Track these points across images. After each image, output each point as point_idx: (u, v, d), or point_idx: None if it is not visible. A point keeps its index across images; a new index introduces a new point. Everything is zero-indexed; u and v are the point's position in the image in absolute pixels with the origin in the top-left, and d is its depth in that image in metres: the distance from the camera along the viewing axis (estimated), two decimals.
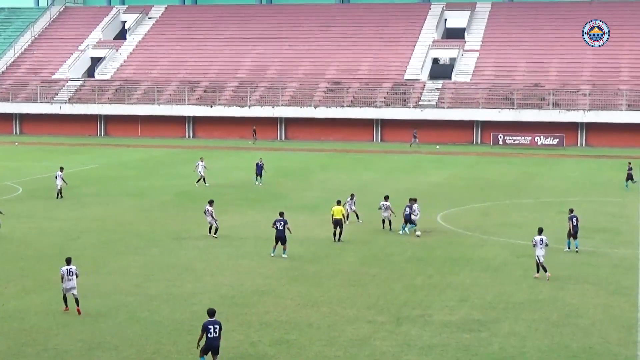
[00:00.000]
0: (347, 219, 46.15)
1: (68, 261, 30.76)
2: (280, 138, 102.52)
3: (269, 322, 28.91)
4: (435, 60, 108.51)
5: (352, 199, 48.18)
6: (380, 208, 45.86)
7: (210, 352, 24.16)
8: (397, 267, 37.16)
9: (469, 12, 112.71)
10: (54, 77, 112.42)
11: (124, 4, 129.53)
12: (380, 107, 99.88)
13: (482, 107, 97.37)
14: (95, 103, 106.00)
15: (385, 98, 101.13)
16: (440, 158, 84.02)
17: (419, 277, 35.41)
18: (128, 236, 44.21)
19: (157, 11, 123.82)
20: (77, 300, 30.03)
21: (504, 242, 43.05)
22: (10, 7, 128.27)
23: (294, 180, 66.25)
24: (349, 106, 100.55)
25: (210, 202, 43.82)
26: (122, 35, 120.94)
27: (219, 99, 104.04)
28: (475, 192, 60.37)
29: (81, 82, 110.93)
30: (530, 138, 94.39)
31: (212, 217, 43.36)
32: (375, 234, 45.02)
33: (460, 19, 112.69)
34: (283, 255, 38.67)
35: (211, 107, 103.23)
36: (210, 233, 43.46)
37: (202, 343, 24.17)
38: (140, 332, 27.96)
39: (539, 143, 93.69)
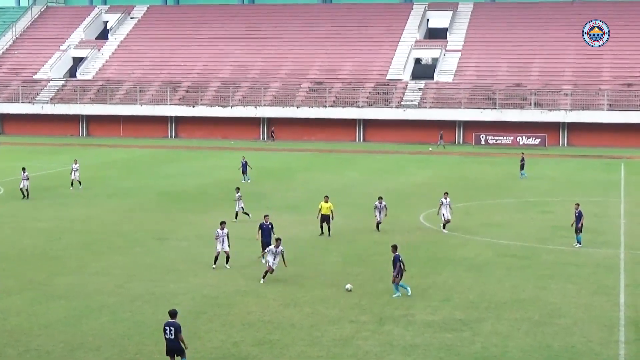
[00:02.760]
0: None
1: None
2: (263, 138, 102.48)
3: (251, 322, 28.89)
4: (418, 61, 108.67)
5: (446, 198, 45.75)
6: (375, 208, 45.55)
7: (175, 355, 23.65)
8: (379, 267, 37.15)
9: (451, 13, 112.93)
10: (36, 77, 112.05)
11: (105, 3, 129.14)
12: (362, 107, 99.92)
13: (465, 107, 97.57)
14: (77, 103, 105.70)
15: (367, 98, 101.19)
16: (423, 158, 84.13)
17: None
18: (110, 236, 44.09)
19: (139, 11, 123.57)
20: None
21: (486, 241, 43.12)
22: None
23: (277, 180, 66.22)
24: (332, 106, 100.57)
25: (222, 224, 37.46)
26: (104, 35, 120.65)
27: (201, 99, 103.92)
28: (458, 192, 60.38)
29: (63, 82, 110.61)
30: (512, 138, 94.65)
31: (228, 243, 37.12)
32: (358, 233, 45.03)
33: (443, 19, 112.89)
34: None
35: (193, 107, 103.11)
36: (226, 263, 37.31)
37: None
38: (122, 333, 27.89)
39: (521, 143, 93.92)
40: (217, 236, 37.02)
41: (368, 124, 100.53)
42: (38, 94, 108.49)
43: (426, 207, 52.17)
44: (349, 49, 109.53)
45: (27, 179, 56.82)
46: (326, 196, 44.97)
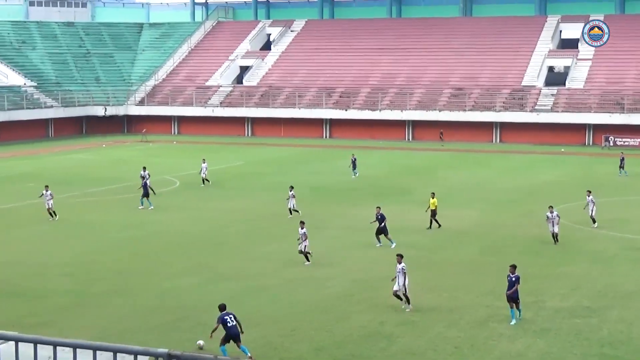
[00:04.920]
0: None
1: None
2: (408, 139, 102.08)
3: (395, 305, 28.78)
4: (551, 69, 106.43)
5: (589, 196, 44.79)
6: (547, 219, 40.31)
7: (231, 340, 23.53)
8: (512, 257, 36.48)
9: (582, 24, 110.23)
10: (208, 83, 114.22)
11: (269, 18, 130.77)
12: (499, 111, 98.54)
13: (594, 112, 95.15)
14: (243, 107, 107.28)
15: (504, 103, 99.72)
16: (554, 158, 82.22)
17: (533, 267, 34.79)
18: (269, 226, 44.59)
19: (298, 25, 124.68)
20: None
21: (613, 235, 41.94)
22: (170, 22, 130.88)
23: (419, 178, 65.74)
24: (471, 110, 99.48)
25: (302, 223, 36.47)
26: (267, 46, 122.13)
27: (353, 104, 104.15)
28: (587, 189, 58.78)
29: (231, 88, 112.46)
30: (639, 140, 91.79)
31: (306, 239, 35.60)
32: (492, 226, 44.41)
33: (575, 30, 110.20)
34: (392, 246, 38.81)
35: (346, 110, 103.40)
36: (307, 258, 35.68)
37: (219, 334, 23.74)
38: (279, 312, 28.19)
39: None
40: (300, 237, 35.77)
41: (504, 126, 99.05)
42: (209, 99, 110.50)
43: (557, 203, 50.91)
44: (487, 57, 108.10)
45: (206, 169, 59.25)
46: (432, 192, 44.60)
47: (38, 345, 8.75)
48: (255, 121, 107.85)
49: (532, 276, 32.99)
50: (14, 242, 40.73)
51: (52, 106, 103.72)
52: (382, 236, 39.20)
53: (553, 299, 29.70)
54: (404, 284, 28.53)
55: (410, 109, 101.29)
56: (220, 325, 23.64)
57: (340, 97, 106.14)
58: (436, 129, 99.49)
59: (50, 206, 46.23)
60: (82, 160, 78.06)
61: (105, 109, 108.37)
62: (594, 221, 44.06)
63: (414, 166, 73.40)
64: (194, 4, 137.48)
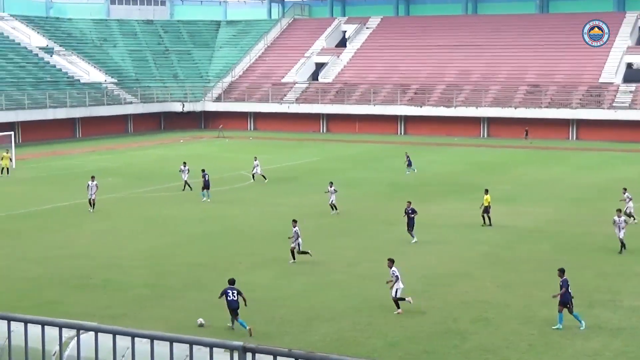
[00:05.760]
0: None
1: None
2: (483, 136, 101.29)
3: (468, 302, 28.66)
4: (629, 65, 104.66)
5: (625, 192, 44.76)
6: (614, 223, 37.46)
7: (230, 313, 25.44)
8: (587, 255, 36.10)
9: None
10: (283, 80, 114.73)
11: (344, 15, 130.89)
12: (576, 108, 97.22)
13: None
14: (318, 103, 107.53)
15: (580, 100, 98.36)
16: (632, 155, 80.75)
17: (608, 264, 34.32)
18: (342, 221, 44.61)
19: (373, 22, 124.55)
20: None
21: None
22: (247, 20, 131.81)
23: (493, 174, 65.12)
24: (547, 107, 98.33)
25: (295, 222, 36.21)
26: (342, 43, 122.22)
27: (427, 100, 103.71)
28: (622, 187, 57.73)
29: (306, 84, 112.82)
30: None
31: (298, 237, 35.47)
32: (565, 224, 43.86)
33: None
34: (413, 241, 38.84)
35: (421, 107, 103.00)
36: (294, 256, 35.38)
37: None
38: (352, 306, 28.22)
39: None
40: (292, 236, 35.54)
41: (581, 123, 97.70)
42: (285, 95, 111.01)
43: (634, 201, 50.13)
44: (563, 54, 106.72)
45: (258, 165, 59.89)
46: (486, 189, 44.21)
47: (117, 336, 8.93)
48: (331, 117, 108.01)
49: (607, 274, 32.58)
50: (92, 235, 41.48)
51: (131, 102, 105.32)
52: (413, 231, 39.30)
53: (629, 298, 29.27)
54: (397, 288, 27.94)
55: (485, 105, 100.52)
56: (224, 297, 25.84)
57: (415, 93, 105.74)
58: (512, 126, 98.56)
59: (93, 197, 48.19)
60: (160, 155, 79.05)
61: (183, 105, 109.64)
62: (633, 217, 43.64)
63: (488, 163, 72.81)
64: (271, 1, 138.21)
